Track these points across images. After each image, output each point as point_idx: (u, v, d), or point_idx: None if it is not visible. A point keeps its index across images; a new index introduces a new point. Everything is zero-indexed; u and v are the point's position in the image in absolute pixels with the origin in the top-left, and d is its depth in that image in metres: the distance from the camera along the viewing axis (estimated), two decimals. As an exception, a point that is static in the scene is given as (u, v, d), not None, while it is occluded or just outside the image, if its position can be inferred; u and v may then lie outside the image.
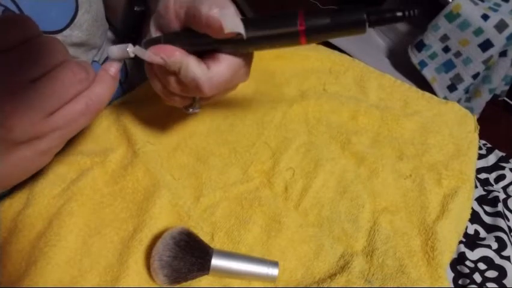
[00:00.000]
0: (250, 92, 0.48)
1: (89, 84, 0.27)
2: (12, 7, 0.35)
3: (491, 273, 0.36)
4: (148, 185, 0.37)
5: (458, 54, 1.08)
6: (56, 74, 0.25)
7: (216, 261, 0.30)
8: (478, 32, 1.01)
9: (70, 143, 0.40)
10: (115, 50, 0.29)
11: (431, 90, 1.12)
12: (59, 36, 0.39)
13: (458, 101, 1.14)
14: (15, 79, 0.24)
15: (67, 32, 0.39)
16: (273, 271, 0.31)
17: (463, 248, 0.37)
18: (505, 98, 1.26)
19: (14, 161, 0.26)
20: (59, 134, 0.27)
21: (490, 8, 1.02)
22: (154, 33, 0.32)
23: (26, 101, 0.24)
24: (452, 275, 0.36)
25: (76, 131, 0.28)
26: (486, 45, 1.02)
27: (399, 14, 0.24)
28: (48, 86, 0.25)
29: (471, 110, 0.96)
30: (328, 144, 0.43)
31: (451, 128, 0.45)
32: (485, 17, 1.00)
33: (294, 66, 0.53)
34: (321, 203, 0.37)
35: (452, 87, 1.13)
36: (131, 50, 0.29)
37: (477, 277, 0.36)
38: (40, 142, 0.26)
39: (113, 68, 0.29)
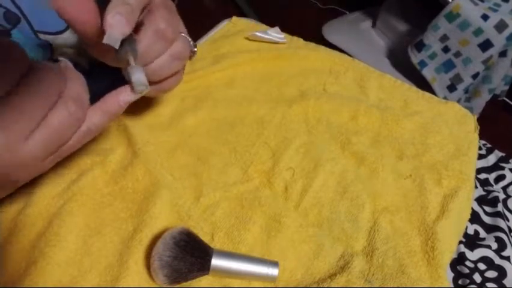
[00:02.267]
0: (250, 92, 0.48)
1: (83, 120, 0.26)
2: (14, 9, 0.35)
3: (491, 274, 0.36)
4: (148, 185, 0.37)
5: (458, 54, 1.08)
6: (52, 119, 0.24)
7: (216, 261, 0.30)
8: (478, 32, 1.01)
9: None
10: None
11: (431, 90, 1.12)
12: (59, 38, 0.39)
13: (458, 101, 1.14)
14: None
15: (67, 34, 0.39)
16: (273, 271, 0.31)
17: (463, 248, 0.38)
18: (505, 98, 1.26)
19: None
20: (57, 158, 0.26)
21: (489, 8, 1.02)
22: None
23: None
24: (452, 275, 0.36)
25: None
26: (486, 45, 1.02)
27: None
28: (45, 135, 0.24)
29: (471, 110, 0.96)
30: (328, 144, 0.43)
31: (451, 128, 0.46)
32: (485, 17, 1.00)
33: (294, 66, 0.53)
34: (321, 203, 0.37)
35: (451, 87, 1.13)
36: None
37: (477, 277, 0.36)
38: (42, 162, 0.25)
39: (124, 97, 0.28)
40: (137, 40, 0.28)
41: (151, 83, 0.31)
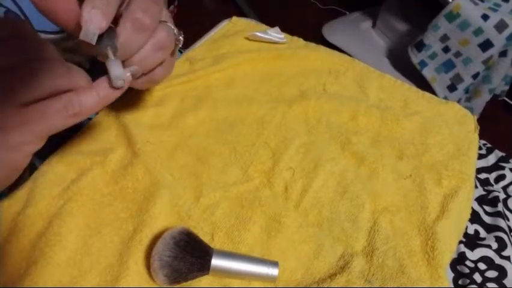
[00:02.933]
0: (250, 92, 0.48)
1: (69, 82, 0.27)
2: (14, 8, 0.35)
3: (491, 273, 0.36)
4: (148, 185, 0.37)
5: (458, 54, 1.08)
6: (32, 64, 0.25)
7: (216, 261, 0.30)
8: (478, 32, 1.01)
9: (70, 143, 0.40)
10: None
11: (431, 90, 1.13)
12: (60, 37, 0.39)
13: (458, 101, 1.14)
14: None
15: (66, 34, 0.39)
16: (273, 271, 0.31)
17: (463, 248, 0.37)
18: (505, 98, 1.27)
19: None
20: (30, 129, 0.26)
21: (490, 8, 1.02)
22: None
23: None
24: (452, 275, 0.36)
25: (50, 130, 0.27)
26: (486, 45, 1.02)
27: None
28: (23, 76, 0.24)
29: (471, 110, 0.96)
30: (328, 144, 0.43)
31: (451, 128, 0.45)
32: (485, 17, 1.00)
33: (294, 66, 0.53)
34: (321, 203, 0.37)
35: (452, 87, 1.13)
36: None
37: (477, 277, 0.36)
38: (8, 134, 0.25)
39: (119, 82, 0.29)
40: (117, 33, 0.27)
41: (137, 77, 0.31)
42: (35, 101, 0.25)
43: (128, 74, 0.29)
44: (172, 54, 0.35)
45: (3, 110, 0.24)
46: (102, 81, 0.28)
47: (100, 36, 0.26)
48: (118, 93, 0.29)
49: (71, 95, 0.27)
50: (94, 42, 0.25)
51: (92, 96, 0.28)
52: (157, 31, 0.30)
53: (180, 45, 0.35)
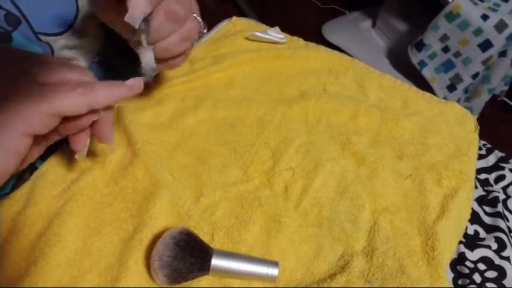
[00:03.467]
0: (250, 92, 0.48)
1: (79, 76, 0.28)
2: (15, 11, 0.35)
3: (491, 274, 0.36)
4: (148, 185, 0.37)
5: (457, 54, 1.08)
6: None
7: (216, 261, 0.30)
8: (478, 32, 1.01)
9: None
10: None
11: (431, 90, 1.13)
12: (60, 39, 0.39)
13: (458, 101, 1.14)
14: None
15: (67, 35, 0.39)
16: (273, 271, 0.31)
17: (462, 248, 0.38)
18: (505, 98, 1.27)
19: None
20: (38, 108, 0.25)
21: (489, 8, 1.02)
22: None
23: None
24: (452, 275, 0.36)
25: (57, 110, 0.26)
26: (486, 45, 1.02)
27: None
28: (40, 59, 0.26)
29: (470, 110, 0.96)
30: (328, 144, 0.43)
31: (451, 128, 0.46)
32: (484, 17, 1.00)
33: (294, 66, 0.53)
34: (321, 203, 0.37)
35: (451, 87, 1.13)
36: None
37: (477, 277, 0.36)
38: (15, 113, 0.25)
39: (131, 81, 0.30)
40: (150, 20, 0.28)
41: (159, 60, 0.32)
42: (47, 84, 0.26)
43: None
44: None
45: (17, 82, 0.25)
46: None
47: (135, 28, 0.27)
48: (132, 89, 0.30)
49: (81, 80, 0.28)
50: (136, 26, 0.26)
51: (102, 84, 0.28)
52: (187, 22, 0.31)
53: (203, 38, 0.37)
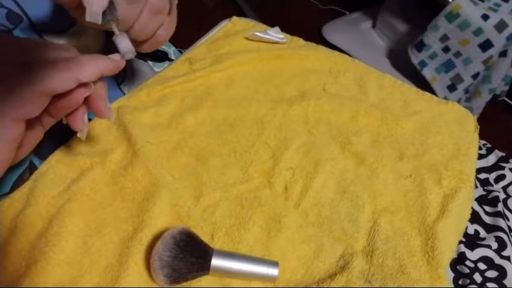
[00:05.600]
0: (250, 92, 0.48)
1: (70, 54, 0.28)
2: (16, 9, 0.35)
3: (491, 273, 0.36)
4: (148, 185, 0.37)
5: (458, 54, 1.08)
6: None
7: (216, 261, 0.30)
8: (478, 32, 1.01)
9: (70, 143, 0.40)
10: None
11: (431, 90, 1.12)
12: (61, 37, 0.39)
13: (458, 101, 1.14)
14: None
15: (69, 34, 0.39)
16: (273, 271, 0.31)
17: (463, 248, 0.37)
18: (505, 98, 1.26)
19: None
20: (31, 88, 0.25)
21: (489, 8, 1.02)
22: None
23: None
24: (452, 275, 0.36)
25: (50, 90, 0.25)
26: (486, 45, 1.02)
27: None
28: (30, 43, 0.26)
29: (471, 110, 0.96)
30: (328, 144, 0.43)
31: (451, 128, 0.46)
32: (485, 17, 1.00)
33: (294, 66, 0.53)
34: (321, 203, 0.37)
35: (452, 87, 1.13)
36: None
37: (477, 277, 0.36)
38: (10, 94, 0.25)
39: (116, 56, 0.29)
40: (115, 6, 0.28)
41: (141, 42, 0.32)
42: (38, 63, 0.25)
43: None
44: (170, 13, 0.36)
45: (10, 67, 0.24)
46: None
47: (103, 14, 0.26)
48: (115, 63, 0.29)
49: (65, 57, 0.27)
50: (99, 22, 0.26)
51: (86, 57, 0.27)
52: None
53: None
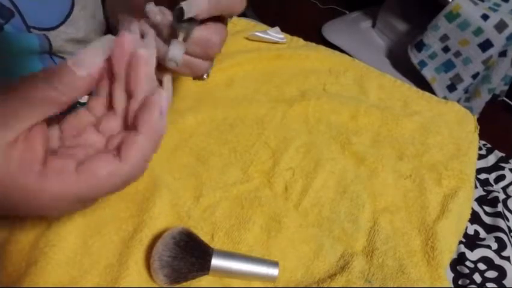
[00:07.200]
0: (250, 92, 0.48)
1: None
2: (7, 3, 0.34)
3: (491, 274, 0.36)
4: (148, 185, 0.37)
5: (457, 54, 1.08)
6: None
7: (216, 261, 0.30)
8: (478, 32, 1.01)
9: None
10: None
11: (431, 90, 1.12)
12: (54, 33, 0.39)
13: (458, 101, 1.14)
14: None
15: (62, 29, 0.39)
16: (273, 271, 0.31)
17: (463, 248, 0.37)
18: (505, 98, 1.26)
19: None
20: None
21: (489, 8, 1.02)
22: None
23: None
24: (452, 275, 0.36)
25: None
26: (486, 45, 1.02)
27: None
28: None
29: (470, 110, 0.96)
30: (328, 144, 0.43)
31: (451, 128, 0.46)
32: (485, 17, 1.00)
33: (294, 66, 0.53)
34: (321, 203, 0.37)
35: (451, 87, 1.13)
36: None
37: (477, 277, 0.36)
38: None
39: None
40: (195, 26, 0.27)
41: (192, 53, 0.30)
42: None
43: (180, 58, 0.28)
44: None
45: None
46: None
47: (182, 19, 0.26)
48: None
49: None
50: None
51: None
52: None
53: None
